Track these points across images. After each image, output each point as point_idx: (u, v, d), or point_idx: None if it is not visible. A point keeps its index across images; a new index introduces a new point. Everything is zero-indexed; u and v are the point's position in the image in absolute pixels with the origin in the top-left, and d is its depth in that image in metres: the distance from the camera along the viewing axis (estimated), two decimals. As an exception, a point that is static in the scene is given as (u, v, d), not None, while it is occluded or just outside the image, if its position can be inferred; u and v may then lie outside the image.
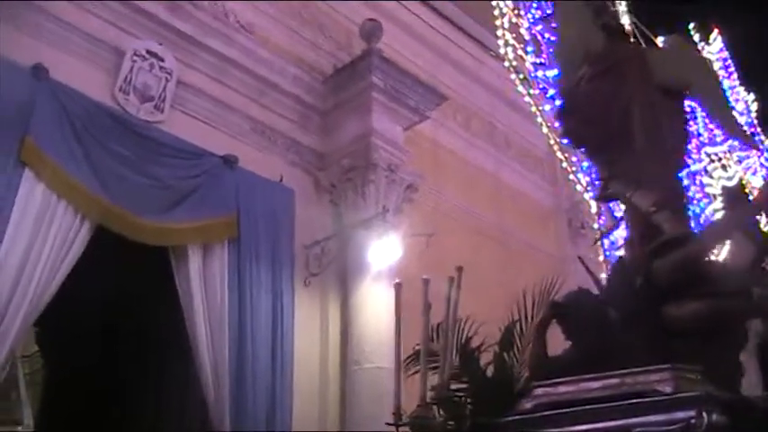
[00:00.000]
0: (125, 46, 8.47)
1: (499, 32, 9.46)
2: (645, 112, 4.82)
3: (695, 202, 9.16)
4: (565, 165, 9.21)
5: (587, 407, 3.51)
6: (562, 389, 3.69)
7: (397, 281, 5.43)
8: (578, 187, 9.33)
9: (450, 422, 4.91)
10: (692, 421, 3.13)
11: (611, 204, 10.05)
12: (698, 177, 10.99)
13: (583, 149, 5.24)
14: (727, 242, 5.04)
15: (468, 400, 5.27)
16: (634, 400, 3.37)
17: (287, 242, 9.18)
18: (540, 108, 9.18)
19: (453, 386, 5.28)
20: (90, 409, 10.51)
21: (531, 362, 4.59)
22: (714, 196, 9.55)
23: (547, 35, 8.73)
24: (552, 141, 9.51)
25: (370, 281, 9.02)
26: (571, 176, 9.28)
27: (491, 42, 12.20)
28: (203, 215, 8.48)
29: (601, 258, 8.78)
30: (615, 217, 9.82)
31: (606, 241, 8.81)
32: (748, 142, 5.90)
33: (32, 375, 16.81)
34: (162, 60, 8.66)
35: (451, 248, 10.54)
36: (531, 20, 9.22)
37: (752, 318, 4.41)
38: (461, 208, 11.88)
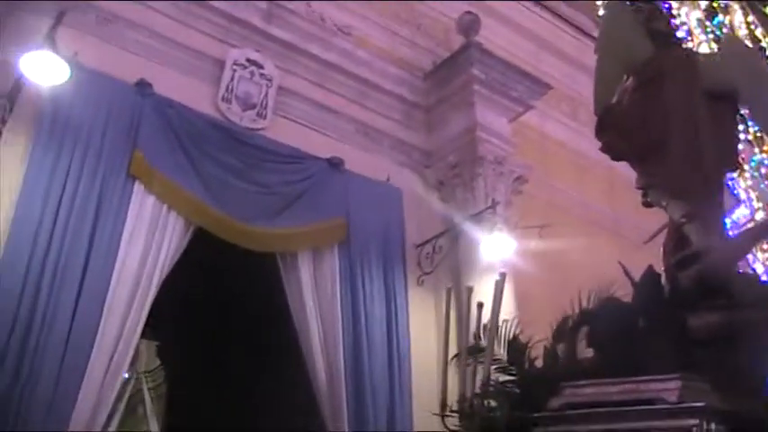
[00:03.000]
0: (225, 56, 8.55)
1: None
2: (685, 121, 4.70)
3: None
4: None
5: (604, 409, 3.70)
6: (587, 390, 3.87)
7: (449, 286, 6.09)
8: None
9: (492, 413, 5.14)
10: (694, 430, 3.30)
11: (730, 182, 9.73)
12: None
13: (624, 161, 5.11)
14: None
15: (516, 392, 5.43)
16: (643, 407, 3.54)
17: (397, 242, 9.10)
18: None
19: (502, 379, 5.64)
20: (210, 417, 10.62)
21: (562, 363, 4.75)
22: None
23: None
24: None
25: (484, 275, 8.82)
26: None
27: (592, 27, 11.91)
28: (312, 219, 8.45)
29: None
30: (735, 195, 9.46)
31: (728, 221, 8.46)
32: None
33: (156, 389, 17.24)
34: (262, 68, 8.70)
35: (565, 240, 10.29)
36: (633, 0, 8.92)
37: (763, 330, 4.25)
38: (574, 199, 11.58)
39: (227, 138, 8.16)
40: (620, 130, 4.87)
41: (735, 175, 9.51)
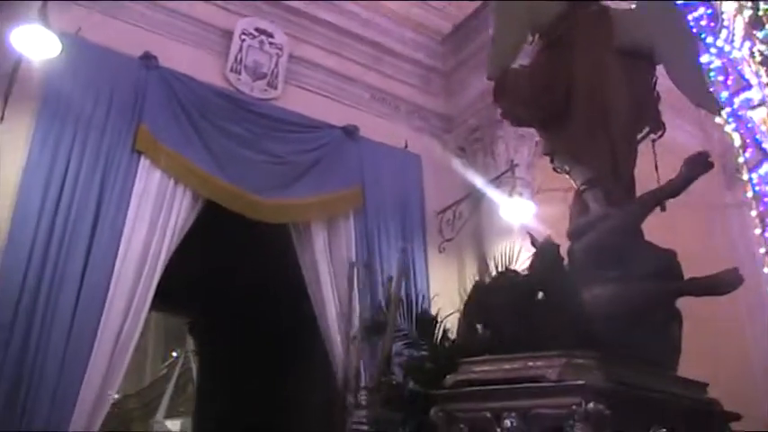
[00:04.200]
0: (233, 26, 8.41)
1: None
2: (591, 83, 4.45)
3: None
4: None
5: (490, 387, 3.66)
6: (480, 368, 3.81)
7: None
8: (717, 119, 8.62)
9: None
10: (574, 407, 3.26)
11: (757, 136, 9.33)
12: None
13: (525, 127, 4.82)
14: None
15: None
16: (528, 385, 3.49)
17: (416, 209, 8.94)
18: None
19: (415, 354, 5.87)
20: (238, 393, 10.61)
21: (459, 338, 4.67)
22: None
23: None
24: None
25: (507, 238, 8.58)
26: (710, 109, 8.53)
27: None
28: (327, 188, 8.32)
29: (750, 194, 8.12)
30: (763, 149, 9.08)
31: (755, 175, 8.16)
32: (713, 111, 5.28)
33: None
34: (271, 36, 8.56)
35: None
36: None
37: (662, 301, 4.06)
38: (603, 160, 11.25)
39: (236, 108, 8.04)
40: (518, 95, 4.61)
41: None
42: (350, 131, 8.71)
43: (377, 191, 8.62)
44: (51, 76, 6.99)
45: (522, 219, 8.57)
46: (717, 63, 8.85)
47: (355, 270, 7.16)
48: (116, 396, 19.15)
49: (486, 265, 5.39)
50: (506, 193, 8.70)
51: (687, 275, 4.26)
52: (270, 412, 10.38)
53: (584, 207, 4.35)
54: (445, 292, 8.64)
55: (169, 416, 20.50)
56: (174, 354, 21.81)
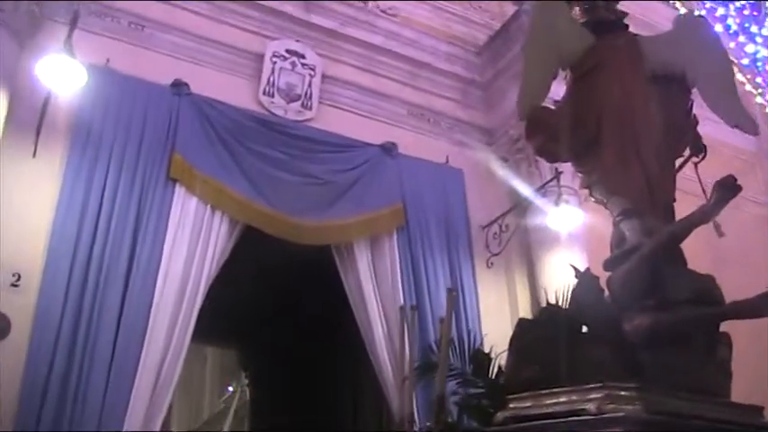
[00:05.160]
0: (263, 49, 8.32)
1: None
2: (620, 113, 4.31)
3: None
4: (749, 88, 8.20)
5: (538, 422, 3.58)
6: (526, 403, 3.74)
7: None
8: (768, 110, 8.32)
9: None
10: None
11: (810, 128, 8.96)
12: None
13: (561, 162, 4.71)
14: None
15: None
16: (569, 419, 3.43)
17: (461, 224, 8.71)
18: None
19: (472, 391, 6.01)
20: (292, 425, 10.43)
21: (507, 375, 4.48)
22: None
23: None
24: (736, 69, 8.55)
25: (556, 248, 8.32)
26: (758, 99, 8.26)
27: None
28: (367, 207, 8.14)
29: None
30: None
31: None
32: (752, 132, 5.08)
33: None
34: (303, 57, 8.45)
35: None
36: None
37: (704, 326, 3.91)
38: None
39: (271, 131, 7.94)
40: (549, 132, 4.49)
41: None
42: (388, 149, 8.55)
43: (419, 207, 8.42)
44: (82, 108, 6.97)
45: (570, 227, 8.31)
46: (764, 52, 8.58)
47: (407, 312, 6.97)
48: (175, 435, 19.17)
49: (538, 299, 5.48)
50: (552, 202, 8.43)
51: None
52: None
53: (621, 238, 4.22)
54: (496, 307, 8.46)
55: (228, 451, 20.35)
56: (230, 388, 21.68)
